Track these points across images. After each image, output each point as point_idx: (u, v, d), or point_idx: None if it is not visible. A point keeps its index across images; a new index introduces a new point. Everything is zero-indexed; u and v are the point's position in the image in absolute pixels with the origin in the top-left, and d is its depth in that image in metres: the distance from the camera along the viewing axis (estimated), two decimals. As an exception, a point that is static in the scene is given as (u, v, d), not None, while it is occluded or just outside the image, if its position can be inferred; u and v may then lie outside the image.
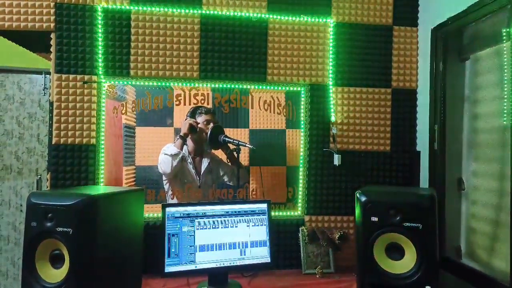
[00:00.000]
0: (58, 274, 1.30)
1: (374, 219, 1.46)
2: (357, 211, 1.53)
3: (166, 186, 2.09)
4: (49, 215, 1.29)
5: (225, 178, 2.14)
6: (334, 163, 1.92)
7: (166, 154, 1.94)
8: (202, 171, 2.08)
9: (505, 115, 1.53)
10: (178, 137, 1.98)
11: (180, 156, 1.96)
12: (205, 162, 2.11)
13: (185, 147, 2.05)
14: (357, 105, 1.98)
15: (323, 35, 1.97)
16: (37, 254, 1.32)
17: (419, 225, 1.41)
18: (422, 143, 1.95)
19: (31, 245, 1.32)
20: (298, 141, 2.04)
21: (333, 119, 1.95)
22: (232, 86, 1.98)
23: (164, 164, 1.95)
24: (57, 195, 1.35)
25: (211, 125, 2.04)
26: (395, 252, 1.46)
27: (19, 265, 2.97)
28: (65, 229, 1.26)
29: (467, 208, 1.78)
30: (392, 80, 2.00)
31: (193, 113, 2.04)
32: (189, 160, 2.05)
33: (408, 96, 2.01)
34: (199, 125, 2.02)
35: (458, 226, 1.80)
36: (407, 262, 1.44)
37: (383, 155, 1.98)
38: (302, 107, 2.00)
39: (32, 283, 1.31)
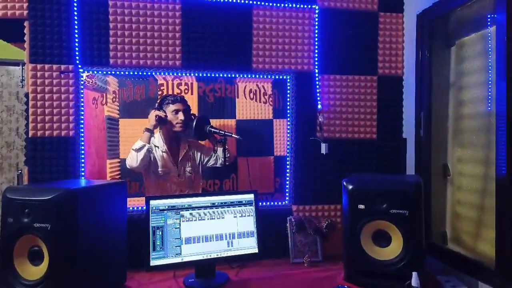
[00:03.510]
0: (37, 271, 1.25)
1: (361, 206, 1.46)
2: (344, 199, 1.52)
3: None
4: (26, 210, 1.24)
5: (211, 162, 2.10)
6: (321, 152, 1.90)
7: (132, 149, 1.91)
8: (179, 160, 2.04)
9: (490, 100, 1.53)
10: (144, 129, 1.93)
11: (145, 149, 1.91)
12: (182, 150, 2.07)
13: (155, 138, 2.00)
14: (344, 93, 1.96)
15: (308, 22, 1.93)
16: (15, 251, 1.27)
17: (405, 211, 1.41)
18: (408, 130, 1.95)
19: (8, 242, 1.27)
20: (285, 131, 2.01)
21: (319, 107, 1.93)
22: (216, 75, 1.93)
23: (130, 159, 1.92)
24: (34, 190, 1.30)
25: (180, 114, 1.99)
26: (382, 239, 1.47)
27: (2, 262, 2.90)
28: (43, 225, 1.21)
29: (453, 194, 1.79)
30: (378, 67, 1.99)
31: (160, 104, 1.99)
32: (163, 149, 2.01)
33: (394, 83, 2.00)
34: (167, 115, 1.97)
35: (443, 212, 1.81)
36: (393, 249, 1.44)
37: (370, 143, 1.97)
38: (288, 95, 1.97)
39: (11, 281, 1.26)
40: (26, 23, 1.69)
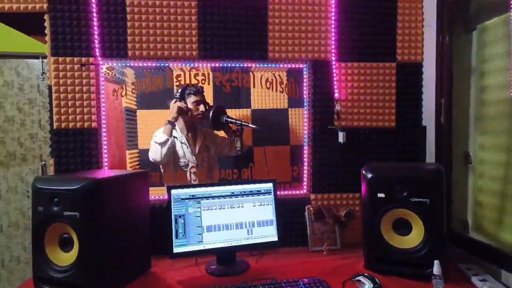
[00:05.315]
0: (68, 257, 1.31)
1: (381, 195, 1.45)
2: (363, 188, 1.52)
3: (162, 170, 2.08)
4: (55, 199, 1.28)
5: (225, 151, 2.12)
6: (339, 141, 1.89)
7: (156, 142, 1.92)
8: (197, 151, 2.06)
9: (514, 86, 1.49)
10: (166, 122, 1.94)
11: (169, 143, 1.93)
12: (199, 141, 2.09)
13: (176, 131, 2.02)
14: (361, 80, 1.94)
15: (325, 9, 1.90)
16: (46, 238, 1.33)
17: (426, 200, 1.40)
18: (428, 117, 1.92)
19: (39, 230, 1.33)
20: (301, 120, 2.01)
21: (336, 96, 1.91)
22: (233, 64, 1.93)
23: (154, 153, 1.93)
24: (62, 180, 1.35)
25: (201, 106, 2.00)
26: (402, 227, 1.46)
27: (30, 249, 3.02)
28: (72, 213, 1.26)
29: (474, 181, 1.76)
30: (396, 54, 1.95)
31: (182, 94, 1.99)
32: (182, 141, 2.03)
33: (414, 69, 1.96)
34: (188, 107, 1.98)
35: (465, 200, 1.79)
36: (414, 237, 1.44)
37: (388, 131, 1.95)
38: (305, 84, 1.95)
39: (43, 266, 1.33)
40: (46, 17, 1.72)
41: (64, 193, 1.27)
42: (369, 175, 1.49)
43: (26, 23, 1.82)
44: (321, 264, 1.64)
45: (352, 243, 1.80)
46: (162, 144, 1.91)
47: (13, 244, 3.03)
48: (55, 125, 1.73)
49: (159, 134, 1.94)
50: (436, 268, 1.27)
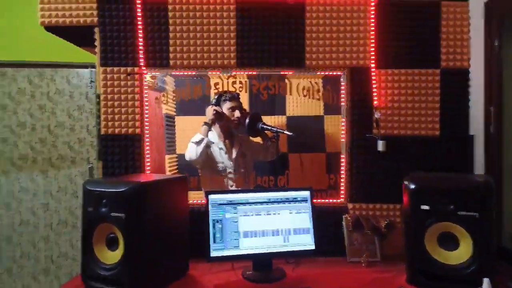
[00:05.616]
0: (114, 256, 1.37)
1: (425, 207, 1.39)
2: (405, 199, 1.47)
3: (200, 175, 2.13)
4: (104, 201, 1.36)
5: (261, 156, 2.14)
6: (378, 149, 1.84)
7: (192, 142, 1.98)
8: (234, 156, 2.09)
9: None
10: (203, 123, 1.99)
11: (204, 142, 1.97)
12: (236, 147, 2.12)
13: (211, 134, 2.07)
14: (402, 87, 1.88)
15: (364, 15, 1.87)
16: (95, 237, 1.41)
17: (475, 214, 1.33)
18: (476, 126, 1.82)
19: (89, 230, 1.41)
20: (337, 127, 1.98)
21: (376, 103, 1.87)
22: (270, 73, 1.95)
23: (189, 152, 1.99)
24: (109, 183, 1.43)
25: (237, 112, 2.03)
26: (449, 242, 1.39)
27: (77, 246, 3.21)
28: (118, 214, 1.33)
29: (527, 195, 1.65)
30: (441, 60, 1.87)
31: (217, 100, 2.04)
32: (220, 146, 2.07)
33: (460, 76, 1.87)
34: (223, 112, 2.02)
35: (516, 215, 1.68)
36: (462, 253, 1.36)
37: (432, 140, 1.87)
38: (342, 91, 1.93)
39: (91, 264, 1.40)
40: (96, 30, 1.84)
41: (112, 195, 1.35)
42: (412, 186, 1.44)
43: (78, 35, 1.96)
44: (359, 275, 1.59)
45: (392, 255, 1.74)
46: (198, 143, 1.97)
47: (62, 241, 3.23)
48: (103, 130, 1.84)
49: (196, 135, 2.00)
50: (486, 286, 1.20)
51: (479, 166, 1.78)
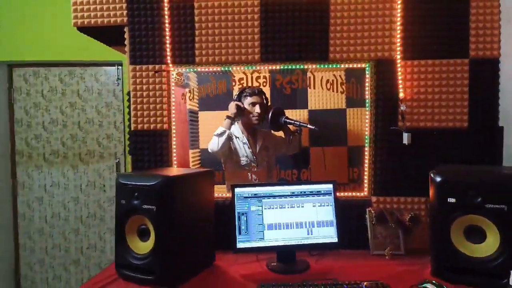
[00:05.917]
0: (145, 246, 1.45)
1: (452, 200, 1.38)
2: (432, 192, 1.46)
3: (224, 169, 2.18)
4: (136, 193, 1.43)
5: (283, 149, 2.16)
6: (403, 142, 1.83)
7: (214, 134, 2.03)
8: (257, 150, 2.13)
9: None
10: (225, 117, 2.04)
11: (226, 134, 2.02)
12: (259, 142, 2.15)
13: (235, 128, 2.11)
14: (429, 79, 1.84)
15: (390, 5, 1.84)
16: (127, 228, 1.48)
17: (503, 206, 1.30)
18: (506, 117, 1.77)
19: (122, 221, 1.48)
20: (359, 120, 1.97)
21: (401, 95, 1.85)
22: (294, 67, 1.96)
23: (211, 143, 2.04)
24: (141, 176, 1.49)
25: (257, 107, 2.06)
26: (475, 235, 1.37)
27: (105, 239, 3.37)
28: (149, 207, 1.40)
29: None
30: (470, 49, 1.82)
31: (239, 96, 2.08)
32: (243, 141, 2.10)
33: (489, 66, 1.81)
34: (245, 107, 2.06)
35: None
36: (489, 246, 1.34)
37: (460, 132, 1.83)
38: (367, 84, 1.92)
39: (124, 254, 1.48)
40: (126, 29, 1.91)
41: (143, 188, 1.41)
42: (439, 179, 1.42)
43: (108, 35, 2.04)
44: (383, 268, 1.60)
45: (417, 249, 1.73)
46: (220, 135, 2.03)
47: (91, 233, 3.39)
48: (132, 126, 1.91)
49: (218, 128, 2.06)
50: (515, 280, 1.18)
51: (509, 158, 1.72)
